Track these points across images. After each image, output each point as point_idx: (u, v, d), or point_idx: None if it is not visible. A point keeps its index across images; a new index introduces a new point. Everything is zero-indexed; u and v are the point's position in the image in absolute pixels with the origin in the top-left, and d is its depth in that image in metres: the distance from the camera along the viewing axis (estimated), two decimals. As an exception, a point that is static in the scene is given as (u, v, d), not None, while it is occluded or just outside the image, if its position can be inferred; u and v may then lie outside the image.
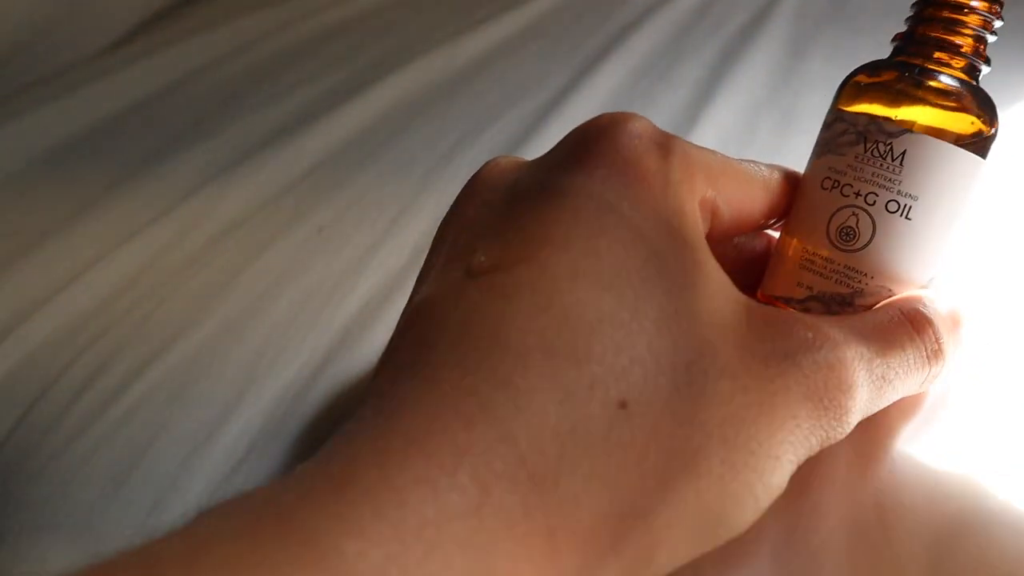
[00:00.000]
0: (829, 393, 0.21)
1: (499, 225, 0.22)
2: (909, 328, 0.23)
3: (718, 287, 0.21)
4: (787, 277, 0.26)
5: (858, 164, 0.24)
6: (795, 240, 0.25)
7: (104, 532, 0.27)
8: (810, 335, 0.21)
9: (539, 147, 0.43)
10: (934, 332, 0.24)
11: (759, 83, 0.48)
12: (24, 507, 0.28)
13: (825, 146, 0.25)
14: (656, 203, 0.21)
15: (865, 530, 0.23)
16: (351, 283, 0.36)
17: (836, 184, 0.25)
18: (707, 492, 0.19)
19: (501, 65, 0.53)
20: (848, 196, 0.25)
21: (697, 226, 0.22)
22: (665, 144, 0.23)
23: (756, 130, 0.44)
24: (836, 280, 0.25)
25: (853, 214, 0.25)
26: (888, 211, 0.24)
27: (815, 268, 0.25)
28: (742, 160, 0.25)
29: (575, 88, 0.49)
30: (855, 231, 0.25)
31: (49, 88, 0.51)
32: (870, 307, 0.24)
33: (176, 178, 0.44)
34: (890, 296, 0.25)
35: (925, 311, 0.24)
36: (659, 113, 0.46)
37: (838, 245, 0.25)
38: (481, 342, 0.19)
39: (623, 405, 0.18)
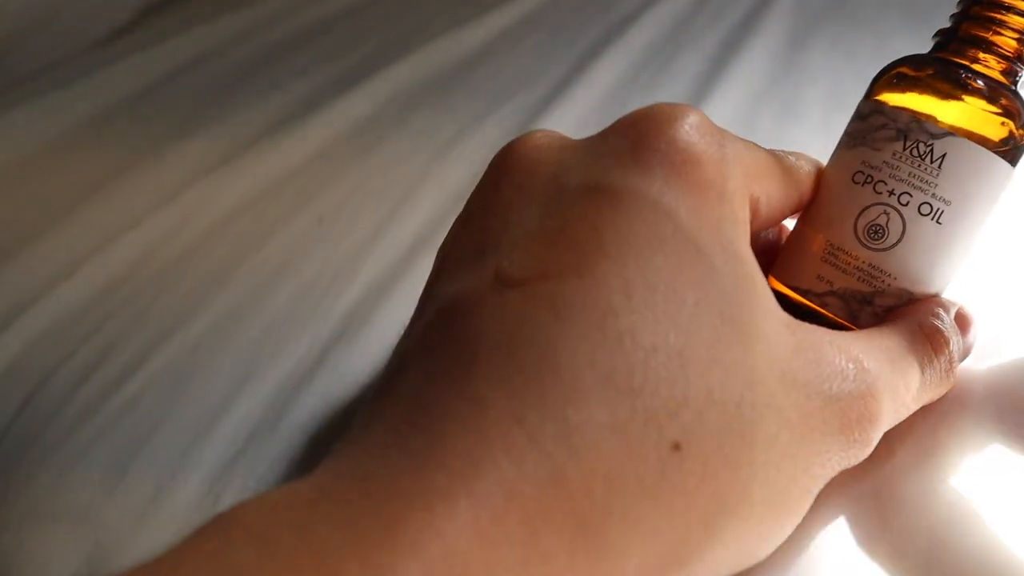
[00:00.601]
0: (860, 426, 0.21)
1: (544, 223, 0.20)
2: (930, 349, 0.23)
3: (767, 309, 0.20)
4: (807, 269, 0.25)
5: (895, 162, 0.24)
6: (819, 232, 0.25)
7: (105, 522, 0.27)
8: (849, 367, 0.20)
9: (539, 138, 0.43)
10: (950, 350, 0.23)
11: (759, 75, 0.48)
12: (25, 497, 0.28)
13: (859, 138, 0.25)
14: (713, 212, 0.20)
15: (865, 524, 0.23)
16: (351, 273, 0.36)
17: (869, 179, 0.24)
18: (746, 534, 0.19)
19: (501, 56, 0.53)
20: (881, 194, 0.24)
21: (747, 237, 0.21)
22: (723, 144, 0.21)
23: (756, 122, 0.44)
24: (859, 278, 0.24)
25: (884, 212, 0.24)
26: (920, 213, 0.24)
27: (838, 263, 0.24)
28: (781, 154, 0.24)
29: (574, 80, 0.49)
30: (884, 230, 0.24)
31: (47, 79, 0.51)
32: (888, 308, 0.24)
33: (175, 167, 0.44)
34: (909, 299, 0.24)
35: (943, 329, 0.23)
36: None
37: (865, 242, 0.24)
38: (528, 361, 0.17)
39: (677, 447, 0.17)
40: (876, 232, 0.24)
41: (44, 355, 0.34)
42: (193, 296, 0.36)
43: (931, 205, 0.24)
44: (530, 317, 0.18)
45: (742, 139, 0.22)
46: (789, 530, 0.20)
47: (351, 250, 0.38)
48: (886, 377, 0.21)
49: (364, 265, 0.37)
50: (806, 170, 0.24)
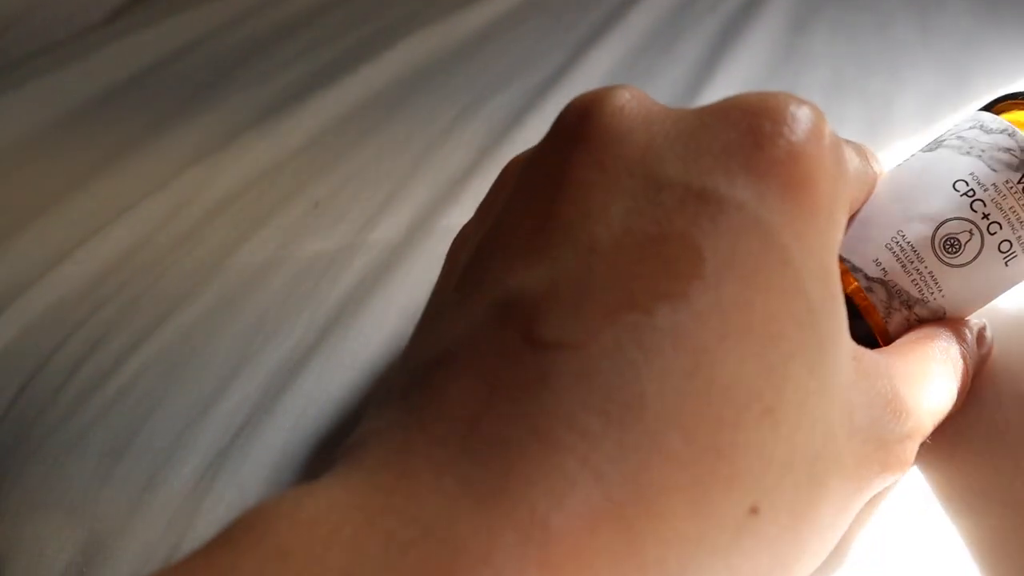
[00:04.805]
0: (901, 467, 0.20)
1: (632, 226, 0.17)
2: (955, 381, 0.22)
3: (847, 348, 0.18)
4: (868, 249, 0.24)
5: (1004, 189, 0.23)
6: (895, 220, 0.24)
7: (100, 508, 0.27)
8: (900, 412, 0.19)
9: (538, 124, 0.43)
10: (969, 379, 0.23)
11: (760, 60, 0.47)
12: (20, 484, 0.28)
13: (977, 149, 0.24)
14: (819, 239, 0.17)
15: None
16: (347, 258, 0.36)
17: (971, 194, 0.23)
18: None
19: (499, 40, 0.52)
20: (976, 212, 0.23)
21: (837, 265, 0.18)
22: (840, 160, 0.18)
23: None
24: (913, 280, 0.24)
25: (970, 233, 0.23)
26: (999, 250, 0.23)
27: (901, 257, 0.24)
28: (864, 153, 0.23)
29: (574, 64, 0.49)
30: (961, 248, 0.23)
31: (42, 62, 0.50)
32: (920, 319, 0.24)
33: (171, 152, 0.44)
34: (941, 317, 0.24)
35: (968, 358, 0.23)
36: (659, 90, 0.46)
37: (937, 251, 0.23)
38: (611, 407, 0.15)
39: (755, 511, 0.16)
40: (952, 246, 0.23)
41: (39, 342, 0.34)
42: (188, 282, 0.36)
43: (1011, 244, 0.23)
44: (616, 351, 0.15)
45: (848, 144, 0.20)
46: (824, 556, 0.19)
47: (347, 235, 0.37)
48: (922, 419, 0.20)
49: (360, 251, 0.36)
50: (876, 173, 0.24)
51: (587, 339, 0.15)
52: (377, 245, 0.37)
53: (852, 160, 0.20)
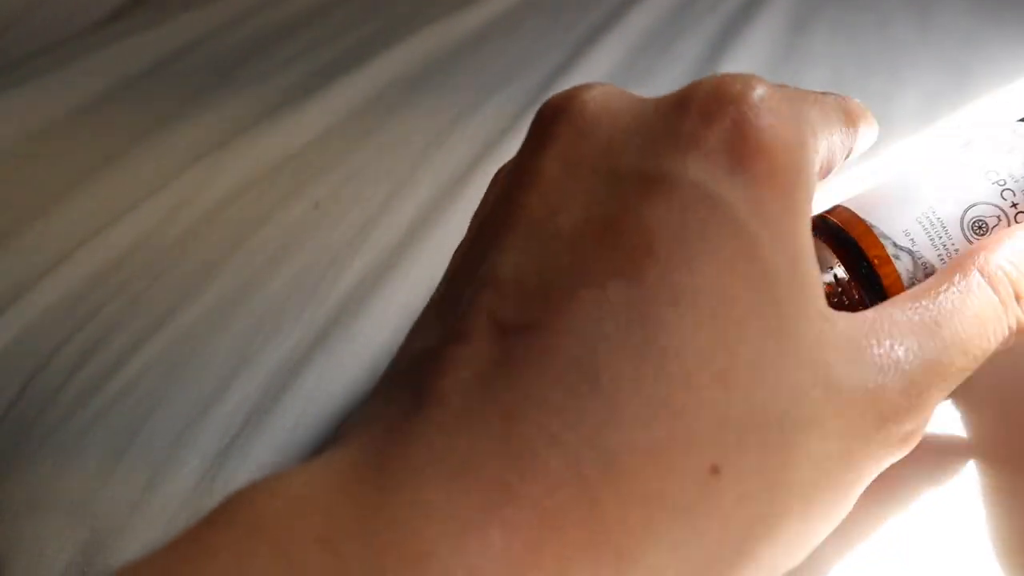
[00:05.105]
0: (899, 422, 0.19)
1: (591, 214, 0.18)
2: (970, 325, 0.21)
3: (816, 310, 0.18)
4: (899, 220, 0.25)
5: None
6: (928, 196, 0.25)
7: (100, 508, 0.27)
8: (889, 366, 0.19)
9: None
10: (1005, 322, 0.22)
11: (760, 59, 0.47)
12: (21, 484, 0.28)
13: (1011, 150, 0.25)
14: (777, 204, 0.18)
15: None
16: (347, 258, 0.36)
17: (1002, 183, 0.25)
18: (781, 553, 0.18)
19: (499, 40, 0.52)
20: (1006, 201, 0.25)
21: (808, 220, 0.19)
22: (796, 121, 0.19)
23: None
24: (939, 254, 0.24)
25: (998, 218, 0.25)
26: None
27: (931, 232, 0.25)
28: (839, 97, 0.22)
29: (573, 64, 0.49)
30: (988, 230, 0.25)
31: (42, 62, 0.50)
32: None
33: (172, 152, 0.44)
34: None
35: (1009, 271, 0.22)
36: (659, 90, 0.45)
37: (964, 229, 0.25)
38: (567, 374, 0.16)
39: (715, 471, 0.16)
40: (980, 227, 0.25)
41: (39, 342, 0.34)
42: (189, 281, 0.36)
43: None
44: (575, 328, 0.16)
45: (810, 95, 0.21)
46: (825, 536, 0.19)
47: (348, 235, 0.37)
48: (939, 385, 0.20)
49: (361, 250, 0.36)
50: (859, 108, 0.23)
51: (549, 319, 0.17)
52: (378, 244, 0.37)
53: (818, 122, 0.20)
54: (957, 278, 0.21)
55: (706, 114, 0.19)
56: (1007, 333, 0.22)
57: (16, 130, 0.46)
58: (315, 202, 0.40)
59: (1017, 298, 0.22)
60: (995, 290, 0.21)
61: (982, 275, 0.22)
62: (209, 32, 0.55)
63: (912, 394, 0.19)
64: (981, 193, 0.25)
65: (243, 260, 0.37)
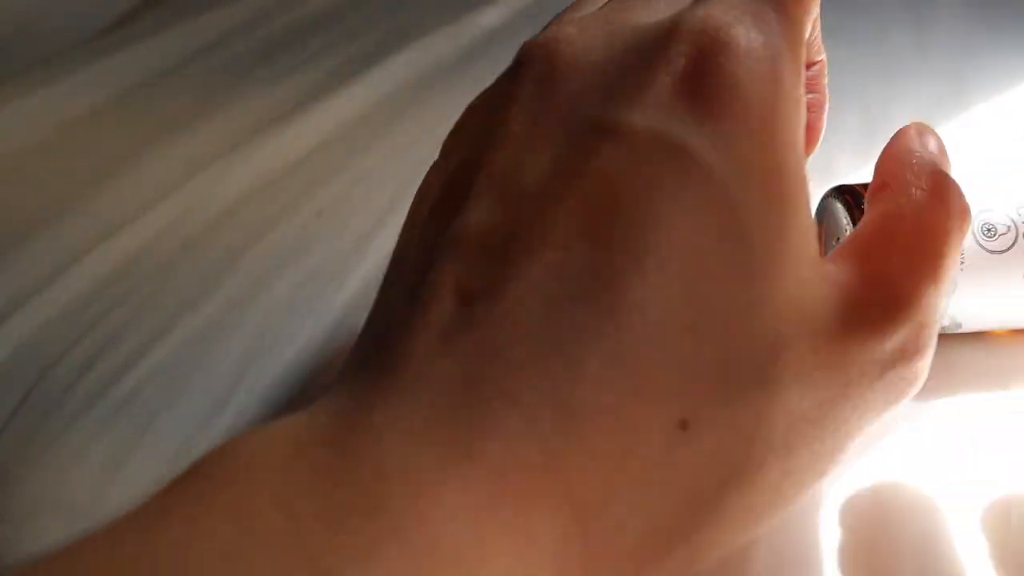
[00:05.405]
0: (914, 380, 0.19)
1: (556, 169, 0.17)
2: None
3: (803, 257, 0.17)
4: None
5: None
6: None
7: (104, 516, 0.27)
8: (867, 306, 0.18)
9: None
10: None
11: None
12: (24, 491, 0.28)
13: None
14: (753, 145, 0.17)
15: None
16: (350, 266, 0.36)
17: (1019, 201, 0.27)
18: (759, 505, 0.17)
19: (503, 47, 0.52)
20: (1019, 216, 0.26)
21: (800, 161, 0.18)
22: (768, 59, 0.18)
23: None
24: None
25: (1007, 228, 0.26)
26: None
27: None
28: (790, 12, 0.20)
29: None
30: (995, 235, 0.26)
31: (50, 69, 0.50)
32: None
33: (176, 160, 0.44)
34: (951, 292, 0.26)
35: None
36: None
37: (974, 228, 0.26)
38: (530, 334, 0.16)
39: (683, 425, 0.16)
40: (989, 231, 0.26)
41: (46, 346, 0.34)
42: (193, 288, 0.36)
43: None
44: (538, 289, 0.16)
45: (795, 8, 0.19)
46: (813, 487, 0.19)
47: (351, 242, 0.38)
48: (934, 304, 0.19)
49: (363, 258, 0.37)
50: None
51: (513, 282, 0.16)
52: (380, 251, 0.37)
53: (786, 36, 0.18)
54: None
55: (666, 61, 0.18)
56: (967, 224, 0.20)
57: (24, 136, 0.46)
58: (318, 211, 0.40)
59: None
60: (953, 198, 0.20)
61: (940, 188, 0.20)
62: (211, 42, 0.54)
63: (909, 339, 0.18)
64: (998, 203, 0.26)
65: (247, 268, 0.37)
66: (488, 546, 0.14)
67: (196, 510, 0.14)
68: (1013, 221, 0.26)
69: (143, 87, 0.50)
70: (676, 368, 0.16)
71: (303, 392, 0.30)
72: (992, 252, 0.26)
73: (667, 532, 0.16)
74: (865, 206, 0.21)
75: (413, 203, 0.21)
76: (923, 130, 0.22)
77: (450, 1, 0.56)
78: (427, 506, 0.14)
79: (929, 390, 0.27)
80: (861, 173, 0.36)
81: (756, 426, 0.17)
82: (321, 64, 0.51)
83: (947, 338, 0.29)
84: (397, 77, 0.49)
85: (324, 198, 0.40)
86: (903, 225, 0.19)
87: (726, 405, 0.16)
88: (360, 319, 0.33)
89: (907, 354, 0.18)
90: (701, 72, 0.17)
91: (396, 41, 0.52)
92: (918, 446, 0.25)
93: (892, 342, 0.18)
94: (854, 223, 0.27)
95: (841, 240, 0.27)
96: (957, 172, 0.25)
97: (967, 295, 0.26)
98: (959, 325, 0.28)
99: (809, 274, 0.18)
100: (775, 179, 0.17)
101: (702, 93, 0.17)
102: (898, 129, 0.22)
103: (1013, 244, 0.26)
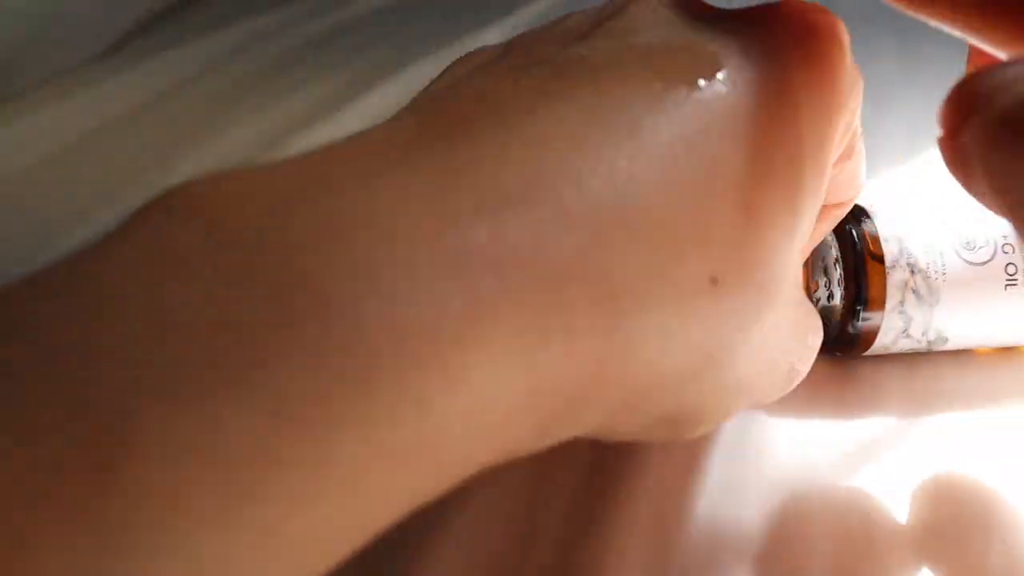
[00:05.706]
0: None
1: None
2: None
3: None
4: (897, 212, 0.28)
5: None
6: (931, 210, 0.28)
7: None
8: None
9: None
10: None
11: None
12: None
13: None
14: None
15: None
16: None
17: (999, 221, 0.27)
18: (778, 332, 0.20)
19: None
20: (997, 233, 0.27)
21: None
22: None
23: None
24: (925, 250, 0.27)
25: (986, 241, 0.27)
26: (1006, 271, 0.27)
27: (923, 229, 0.28)
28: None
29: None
30: (975, 247, 0.27)
31: (51, 89, 0.50)
32: (916, 291, 0.27)
33: (201, 165, 0.44)
34: (933, 305, 0.27)
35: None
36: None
37: (955, 239, 0.27)
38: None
39: (714, 282, 0.17)
40: (969, 244, 0.27)
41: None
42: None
43: (1016, 270, 0.27)
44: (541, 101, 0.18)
45: None
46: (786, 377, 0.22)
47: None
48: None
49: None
50: None
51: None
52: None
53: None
54: None
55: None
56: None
57: (43, 148, 0.46)
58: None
59: None
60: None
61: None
62: (216, 61, 0.54)
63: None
64: (979, 220, 0.27)
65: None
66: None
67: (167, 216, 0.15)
68: (992, 235, 0.27)
69: (145, 109, 0.50)
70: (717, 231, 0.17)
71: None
72: (972, 264, 0.27)
73: (698, 359, 0.18)
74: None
75: None
76: None
77: (453, 21, 0.57)
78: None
79: (915, 409, 0.28)
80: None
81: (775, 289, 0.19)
82: (323, 84, 0.51)
83: (933, 357, 0.29)
84: (402, 95, 0.50)
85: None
86: None
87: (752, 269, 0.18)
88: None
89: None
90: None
91: (401, 59, 0.52)
92: (903, 465, 0.26)
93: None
94: (840, 244, 0.27)
95: (828, 263, 0.28)
96: (940, 192, 0.27)
97: (952, 308, 0.27)
98: (945, 340, 0.28)
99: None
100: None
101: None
102: None
103: (993, 256, 0.27)
